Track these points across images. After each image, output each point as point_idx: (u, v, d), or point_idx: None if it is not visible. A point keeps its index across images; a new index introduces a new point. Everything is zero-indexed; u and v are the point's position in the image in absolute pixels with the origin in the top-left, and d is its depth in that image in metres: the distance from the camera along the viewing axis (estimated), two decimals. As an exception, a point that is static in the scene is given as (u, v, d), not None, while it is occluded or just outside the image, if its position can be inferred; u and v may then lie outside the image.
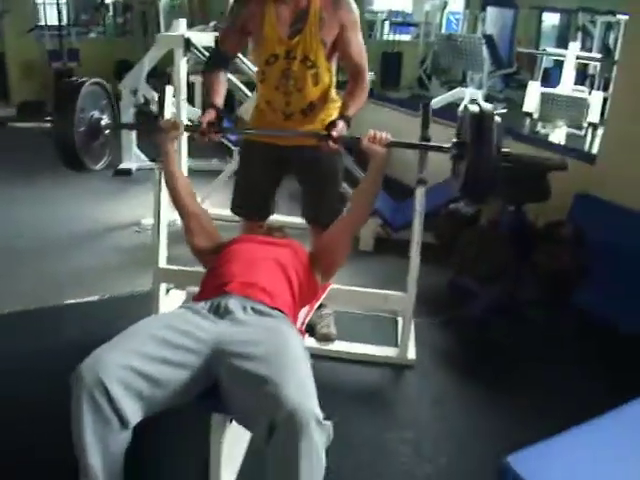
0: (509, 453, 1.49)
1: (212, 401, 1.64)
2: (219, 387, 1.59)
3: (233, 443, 1.86)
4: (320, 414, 1.39)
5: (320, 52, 2.31)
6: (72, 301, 3.03)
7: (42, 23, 8.06)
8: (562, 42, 9.90)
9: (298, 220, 2.93)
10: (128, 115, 5.07)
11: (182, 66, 3.81)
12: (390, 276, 3.16)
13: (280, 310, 1.80)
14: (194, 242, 2.19)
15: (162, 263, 2.67)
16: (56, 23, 7.84)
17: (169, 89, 2.62)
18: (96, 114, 2.09)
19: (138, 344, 1.55)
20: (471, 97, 6.35)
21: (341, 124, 2.25)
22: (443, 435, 2.21)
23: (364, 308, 2.97)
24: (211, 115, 2.31)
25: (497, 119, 1.96)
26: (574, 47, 5.41)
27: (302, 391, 1.43)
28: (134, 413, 1.50)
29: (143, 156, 5.27)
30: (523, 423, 2.22)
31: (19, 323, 2.82)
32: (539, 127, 5.48)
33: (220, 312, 1.71)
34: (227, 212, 3.61)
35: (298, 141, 2.46)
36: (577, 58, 5.31)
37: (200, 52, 3.73)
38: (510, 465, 1.45)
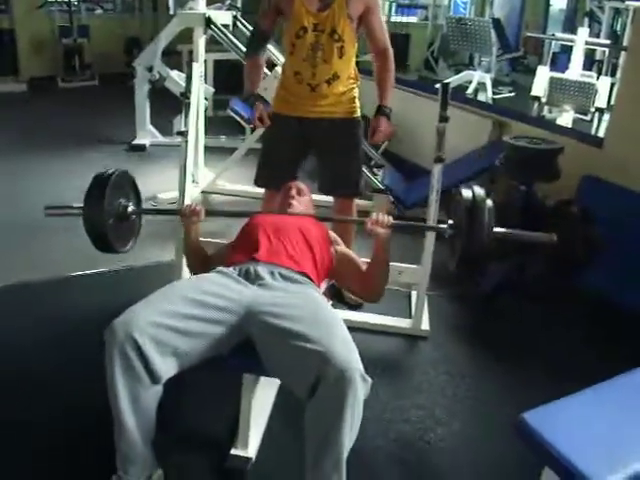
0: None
1: (243, 360, 1.75)
2: (254, 346, 1.69)
3: (261, 399, 1.98)
4: (363, 370, 1.50)
5: (347, 26, 2.45)
6: (97, 270, 3.14)
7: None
8: (569, 27, 9.92)
9: (319, 197, 3.03)
10: (142, 92, 5.15)
11: (201, 44, 3.89)
12: (402, 252, 3.23)
13: (306, 275, 1.90)
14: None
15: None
16: (66, -1, 7.89)
17: (196, 66, 2.69)
18: (123, 202, 2.20)
19: (170, 303, 1.64)
20: (479, 80, 6.42)
21: (384, 122, 2.53)
22: (455, 401, 2.32)
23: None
24: (259, 107, 2.57)
25: (489, 203, 2.02)
26: (583, 33, 5.45)
27: (348, 347, 1.54)
28: (166, 368, 1.59)
29: (157, 132, 5.36)
30: (532, 390, 2.32)
31: (44, 291, 2.94)
32: (546, 111, 5.55)
33: (250, 277, 1.81)
34: (243, 187, 3.72)
35: (325, 112, 2.60)
36: (586, 44, 5.35)
37: (219, 30, 3.79)
38: (526, 421, 1.56)
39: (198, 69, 2.77)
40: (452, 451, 2.08)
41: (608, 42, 5.68)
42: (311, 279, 1.92)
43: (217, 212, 2.52)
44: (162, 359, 1.57)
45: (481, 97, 6.38)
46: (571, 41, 5.44)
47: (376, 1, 2.51)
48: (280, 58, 3.76)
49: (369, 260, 2.08)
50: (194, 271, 2.25)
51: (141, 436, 1.62)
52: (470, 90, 6.38)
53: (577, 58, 5.25)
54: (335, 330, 1.61)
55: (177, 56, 6.71)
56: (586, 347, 2.73)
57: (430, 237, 2.58)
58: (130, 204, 2.22)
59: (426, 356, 2.62)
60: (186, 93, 2.66)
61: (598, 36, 7.44)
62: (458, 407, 2.29)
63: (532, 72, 8.53)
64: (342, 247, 2.22)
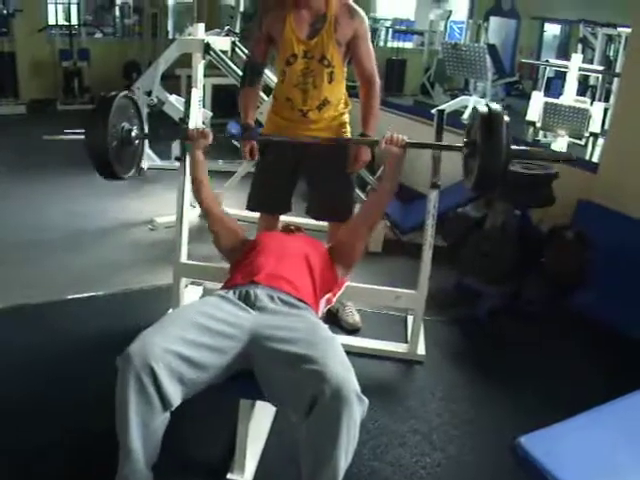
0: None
1: (240, 385, 1.76)
2: (254, 370, 1.70)
3: (258, 424, 1.98)
4: (360, 390, 1.52)
5: (335, 52, 2.51)
6: (92, 294, 3.13)
7: (53, 23, 8.17)
8: (563, 52, 10.09)
9: (314, 221, 3.05)
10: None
11: (200, 69, 3.94)
12: (399, 276, 3.28)
13: (304, 301, 1.92)
14: (220, 243, 2.29)
15: (183, 258, 2.78)
16: (66, 23, 7.98)
17: (195, 92, 2.73)
18: (127, 126, 2.21)
19: (181, 330, 1.66)
20: (474, 105, 6.49)
21: (364, 152, 2.64)
22: (452, 426, 2.32)
23: (375, 305, 3.09)
24: (252, 143, 2.69)
25: (506, 118, 2.07)
26: (577, 59, 5.54)
27: (344, 367, 1.56)
28: (176, 396, 1.61)
29: (154, 156, 5.40)
30: (530, 415, 2.32)
31: (40, 315, 2.92)
32: (541, 136, 5.62)
33: (250, 301, 1.82)
34: (240, 212, 3.74)
35: (310, 139, 2.64)
36: (579, 70, 5.43)
37: (218, 56, 3.85)
38: (522, 445, 1.56)
39: (196, 94, 2.80)
40: (448, 476, 2.07)
41: (601, 68, 5.76)
42: (309, 304, 1.93)
43: (226, 135, 2.59)
44: (173, 387, 1.59)
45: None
46: (565, 67, 5.51)
47: (364, 28, 2.56)
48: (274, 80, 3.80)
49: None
50: (200, 201, 2.34)
51: (145, 461, 1.62)
52: (466, 115, 6.46)
53: (571, 84, 5.34)
54: (331, 350, 1.63)
55: (176, 80, 6.77)
56: (583, 371, 2.74)
57: (426, 261, 2.59)
58: (134, 128, 2.24)
59: (422, 381, 2.62)
60: (184, 118, 2.68)
61: (592, 62, 7.56)
62: (454, 432, 2.28)
63: (527, 97, 8.64)
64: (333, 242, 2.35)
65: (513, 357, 2.85)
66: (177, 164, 2.76)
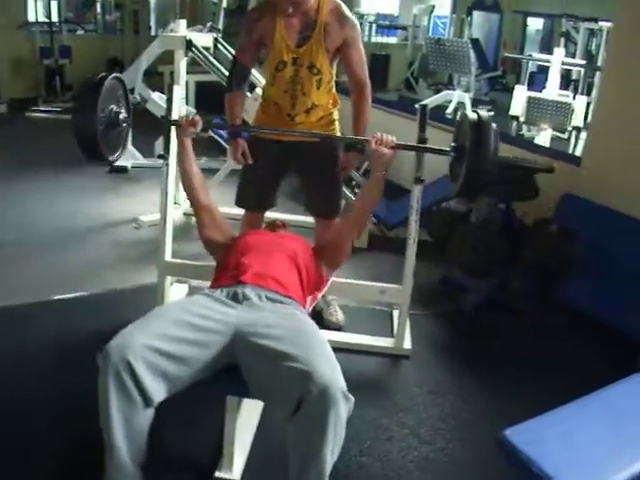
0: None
1: (227, 382, 1.75)
2: (239, 367, 1.70)
3: (245, 420, 1.98)
4: (346, 388, 1.52)
5: (324, 60, 2.49)
6: (78, 294, 3.10)
7: (32, 20, 8.07)
8: (545, 46, 10.13)
9: (298, 217, 3.06)
10: (124, 113, 5.14)
11: (182, 66, 3.92)
12: (384, 271, 3.29)
13: (292, 298, 1.91)
14: (207, 235, 2.28)
15: (168, 257, 2.76)
16: (46, 20, 7.89)
17: (177, 89, 2.70)
18: (115, 108, 2.19)
19: (162, 326, 1.65)
20: (459, 100, 6.53)
21: (352, 159, 2.65)
22: (440, 419, 2.33)
23: (361, 300, 3.09)
24: (242, 145, 2.63)
25: (494, 126, 2.09)
26: (559, 53, 5.57)
27: (330, 366, 1.56)
28: (158, 392, 1.60)
29: (138, 154, 5.36)
30: (517, 408, 2.32)
31: (26, 315, 2.88)
32: (524, 130, 5.65)
33: (237, 299, 1.82)
34: (224, 209, 3.72)
35: (299, 137, 2.62)
36: (562, 64, 5.46)
37: (200, 53, 3.83)
38: (507, 438, 1.58)
39: (179, 92, 2.78)
40: (436, 470, 2.08)
41: (583, 62, 5.79)
42: (296, 301, 1.93)
43: (217, 125, 2.56)
44: (154, 383, 1.58)
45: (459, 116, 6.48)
46: (547, 61, 5.54)
47: (355, 35, 2.51)
48: (260, 79, 3.79)
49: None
50: (190, 193, 2.30)
51: (132, 460, 1.61)
52: (450, 110, 6.48)
53: (554, 78, 5.37)
54: (317, 348, 1.63)
55: (158, 77, 6.73)
56: (569, 363, 2.76)
57: (411, 256, 2.60)
58: (122, 110, 2.23)
59: (409, 375, 2.63)
60: (167, 116, 2.66)
61: (574, 56, 7.60)
62: (442, 425, 2.29)
63: (510, 91, 8.64)
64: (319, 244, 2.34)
65: (499, 350, 2.87)
66: (160, 162, 2.75)
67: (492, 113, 6.71)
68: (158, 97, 5.17)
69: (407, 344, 2.74)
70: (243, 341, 1.68)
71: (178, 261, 2.79)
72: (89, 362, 2.35)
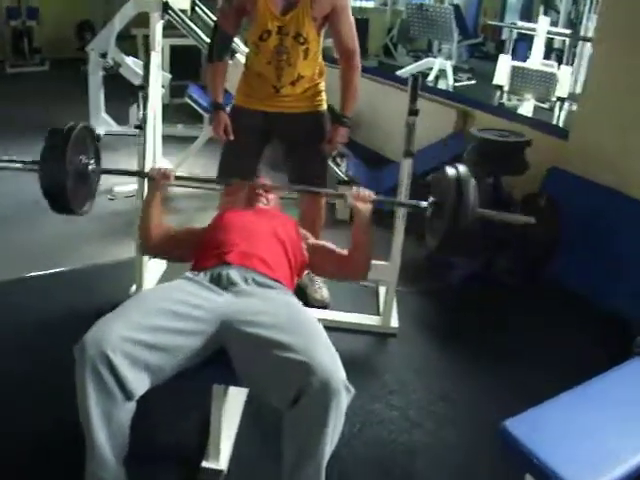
0: (494, 415, 1.60)
1: (213, 371, 1.66)
2: (223, 355, 1.61)
3: (231, 408, 1.90)
4: (346, 379, 1.46)
5: (311, 28, 2.36)
6: (55, 270, 2.99)
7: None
8: (525, 15, 10.01)
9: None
10: (96, 79, 4.94)
11: (158, 30, 3.73)
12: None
13: (280, 282, 1.82)
14: (178, 259, 2.13)
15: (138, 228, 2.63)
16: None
17: (154, 55, 2.56)
18: (83, 159, 2.08)
19: (142, 316, 1.55)
20: (440, 67, 6.40)
21: (341, 133, 2.49)
22: (429, 401, 2.28)
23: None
24: (224, 119, 2.49)
25: (473, 182, 2.00)
26: (544, 21, 5.47)
27: (332, 358, 1.49)
28: (139, 385, 1.51)
29: (111, 121, 5.16)
30: (507, 388, 2.32)
31: (8, 292, 2.79)
32: (505, 99, 5.56)
33: (222, 283, 1.72)
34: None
35: (289, 107, 2.52)
36: (548, 33, 5.36)
37: (177, 16, 3.65)
38: (507, 429, 1.52)
39: (156, 58, 2.64)
40: (427, 453, 2.04)
41: (569, 32, 5.69)
42: (284, 285, 1.84)
43: (187, 178, 2.43)
44: (135, 375, 1.48)
45: (441, 85, 6.36)
46: (533, 30, 5.43)
47: (345, 2, 2.38)
48: (241, 46, 3.63)
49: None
50: (150, 247, 2.12)
51: (114, 455, 1.53)
52: (431, 77, 6.36)
53: (538, 47, 5.28)
54: (317, 338, 1.56)
55: (132, 40, 6.49)
56: (558, 338, 2.73)
57: (399, 232, 2.53)
58: (91, 162, 2.12)
59: (397, 354, 2.58)
60: (143, 84, 2.53)
61: (555, 24, 7.50)
62: (431, 407, 2.25)
63: (490, 58, 8.62)
64: (313, 240, 2.16)
65: (487, 328, 2.82)
66: (136, 130, 2.61)
67: (474, 82, 6.66)
68: (132, 62, 4.97)
69: (394, 322, 2.68)
70: (232, 330, 1.59)
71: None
72: (70, 340, 2.28)
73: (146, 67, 2.52)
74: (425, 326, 2.79)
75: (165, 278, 2.91)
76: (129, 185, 3.83)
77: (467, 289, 3.07)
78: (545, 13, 8.76)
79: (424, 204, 2.08)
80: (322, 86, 2.59)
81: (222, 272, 1.75)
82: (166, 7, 3.57)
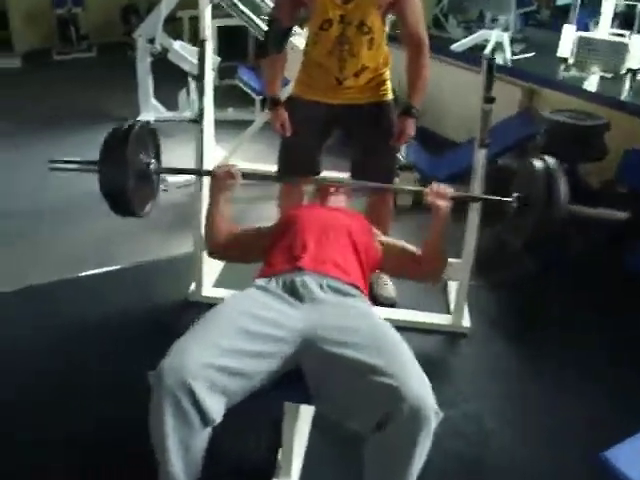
0: (583, 432, 1.61)
1: (286, 390, 1.56)
2: (304, 373, 1.51)
3: (300, 425, 1.80)
4: (436, 405, 1.35)
5: (376, 17, 2.20)
6: (103, 269, 2.92)
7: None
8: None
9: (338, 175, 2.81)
10: (144, 65, 4.86)
11: (207, 14, 3.60)
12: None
13: (355, 286, 1.71)
14: (242, 261, 2.05)
15: (203, 229, 2.54)
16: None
17: (209, 45, 2.43)
18: (144, 159, 1.99)
19: (221, 337, 1.45)
20: (497, 39, 6.11)
21: (410, 125, 2.29)
22: (506, 409, 2.15)
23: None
24: (282, 115, 2.36)
25: (563, 176, 1.84)
26: (612, -14, 5.11)
27: (422, 382, 1.38)
28: (218, 410, 1.41)
29: (161, 107, 5.08)
30: (595, 396, 2.16)
31: (58, 294, 2.73)
32: (569, 72, 5.25)
33: (298, 293, 1.61)
34: (257, 166, 3.49)
35: (352, 99, 2.38)
36: (617, -1, 5.01)
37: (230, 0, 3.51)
38: (608, 460, 1.39)
39: (210, 47, 2.49)
40: (508, 470, 1.91)
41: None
42: (360, 289, 1.72)
43: (256, 175, 2.29)
44: (214, 402, 1.38)
45: (498, 58, 6.06)
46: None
47: None
48: (297, 29, 3.46)
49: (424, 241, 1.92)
50: (216, 251, 2.02)
51: (188, 479, 1.44)
52: (487, 51, 6.06)
53: (607, 15, 4.93)
54: (403, 356, 1.44)
55: (177, 23, 6.38)
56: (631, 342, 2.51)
57: (472, 226, 2.36)
58: (153, 161, 2.04)
59: (470, 357, 2.43)
60: (199, 76, 2.40)
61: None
62: (509, 416, 2.11)
63: (545, 26, 8.21)
64: (385, 238, 2.03)
65: (565, 326, 2.62)
66: (186, 115, 2.50)
67: (532, 54, 6.33)
68: (180, 46, 4.86)
69: (466, 321, 2.53)
70: (313, 349, 1.48)
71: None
72: (126, 340, 2.20)
73: (201, 58, 2.40)
74: (498, 324, 2.63)
75: (224, 274, 2.84)
76: (182, 175, 3.75)
77: (542, 281, 2.87)
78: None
79: (509, 199, 1.93)
80: (387, 75, 2.42)
81: (296, 279, 1.63)
82: (216, -11, 3.45)
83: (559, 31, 7.11)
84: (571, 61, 4.80)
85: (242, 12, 3.65)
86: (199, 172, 2.43)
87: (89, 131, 4.68)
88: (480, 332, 2.53)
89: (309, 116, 2.40)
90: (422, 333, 2.51)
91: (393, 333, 1.54)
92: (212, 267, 2.76)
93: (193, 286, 2.68)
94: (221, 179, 1.98)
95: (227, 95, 5.38)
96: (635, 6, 5.43)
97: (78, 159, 2.10)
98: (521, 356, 2.45)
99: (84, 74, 6.77)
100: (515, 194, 1.93)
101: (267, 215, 3.16)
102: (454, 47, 5.76)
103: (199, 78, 2.42)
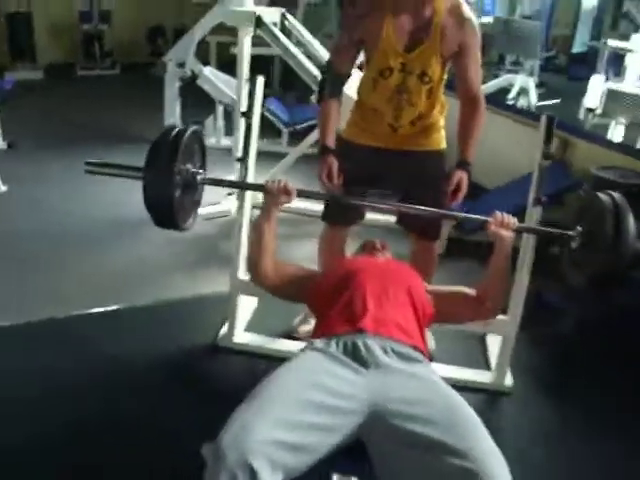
0: None
1: (340, 462, 1.48)
2: (367, 446, 1.43)
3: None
4: None
5: (438, 67, 2.15)
6: (129, 304, 2.77)
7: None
8: (598, 25, 9.61)
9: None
10: (173, 90, 4.84)
11: (246, 45, 3.58)
12: (466, 283, 2.97)
13: (419, 349, 1.65)
14: (285, 298, 2.01)
15: (241, 274, 2.43)
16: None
17: (260, 80, 2.38)
18: (191, 168, 1.93)
19: (284, 411, 1.36)
20: (521, 84, 6.12)
21: (465, 180, 2.20)
22: (551, 476, 2.05)
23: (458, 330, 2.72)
24: (331, 164, 2.19)
25: (630, 211, 1.83)
26: (638, 40, 5.12)
27: (500, 463, 1.31)
28: None
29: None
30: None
31: (74, 330, 2.60)
32: (594, 121, 5.23)
33: (361, 357, 1.53)
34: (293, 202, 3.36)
35: (406, 144, 2.32)
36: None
37: (271, 32, 3.48)
38: None
39: (262, 83, 2.42)
40: None
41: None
42: (422, 352, 1.66)
43: (313, 194, 2.20)
44: (274, 478, 1.29)
45: (521, 102, 6.05)
46: (628, 49, 5.10)
47: (475, 40, 2.14)
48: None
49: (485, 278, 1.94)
50: (262, 278, 1.96)
51: None
52: (512, 95, 6.08)
53: (633, 67, 4.93)
54: (480, 436, 1.37)
55: (204, 47, 6.38)
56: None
57: (522, 283, 2.29)
58: (200, 171, 1.96)
59: (514, 419, 2.33)
60: (248, 112, 2.34)
61: (627, 38, 7.08)
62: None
63: (561, 72, 8.28)
64: (431, 287, 2.00)
65: (611, 384, 2.53)
66: (214, 141, 2.43)
67: (558, 100, 6.34)
68: (210, 72, 4.85)
69: (508, 380, 2.44)
70: (381, 423, 1.40)
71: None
72: (145, 386, 2.16)
73: (251, 95, 2.34)
74: (540, 382, 2.54)
75: (257, 318, 2.73)
76: (210, 206, 3.69)
77: (584, 335, 2.80)
78: (616, 24, 8.38)
79: (572, 233, 1.93)
80: (441, 122, 2.37)
81: (358, 342, 1.56)
82: (259, 22, 3.43)
83: (576, 78, 7.19)
84: (598, 111, 4.78)
85: (289, 52, 3.58)
86: (250, 186, 2.31)
87: (114, 151, 4.60)
88: (522, 390, 2.44)
89: (360, 160, 2.33)
90: (461, 390, 2.41)
91: (465, 406, 1.47)
92: (244, 310, 2.66)
93: (224, 330, 2.56)
94: (276, 195, 1.92)
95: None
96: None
97: (118, 163, 1.99)
98: (567, 418, 2.34)
99: (107, 91, 6.76)
100: (578, 228, 1.91)
101: (299, 255, 3.10)
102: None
103: (247, 115, 2.36)
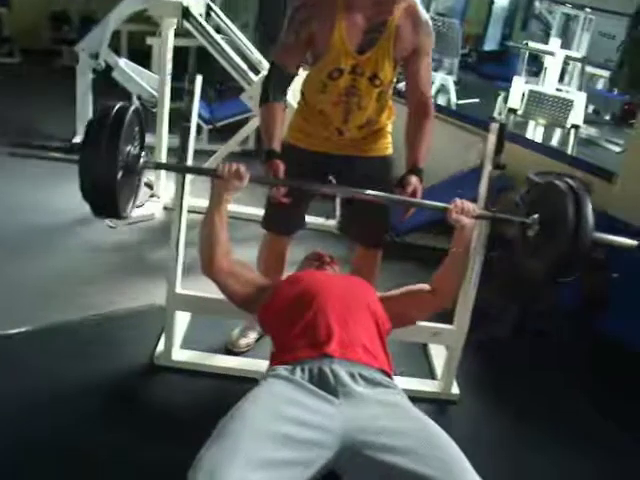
0: None
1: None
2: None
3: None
4: None
5: (389, 69, 2.06)
6: (52, 321, 2.50)
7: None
8: (510, 24, 9.94)
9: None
10: (85, 81, 4.51)
11: (171, 38, 3.39)
12: (397, 283, 2.92)
13: (385, 372, 1.59)
14: (234, 299, 1.93)
15: (179, 287, 2.27)
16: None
17: (199, 79, 2.22)
18: (132, 150, 1.75)
19: (255, 449, 1.27)
20: (441, 82, 6.20)
21: (414, 182, 2.04)
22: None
23: (407, 340, 2.57)
24: (280, 169, 2.01)
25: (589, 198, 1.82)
26: (556, 43, 5.30)
27: None
28: None
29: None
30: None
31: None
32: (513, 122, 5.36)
33: (329, 385, 1.46)
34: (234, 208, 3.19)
35: (352, 151, 2.24)
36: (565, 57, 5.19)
37: (199, 24, 3.28)
38: None
39: (200, 82, 2.24)
40: None
41: (580, 55, 5.54)
42: (389, 374, 1.61)
43: (267, 179, 2.04)
44: None
45: (440, 101, 6.13)
46: (549, 53, 5.24)
47: (430, 42, 2.09)
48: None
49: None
50: (215, 270, 1.86)
51: None
52: (431, 93, 6.13)
53: (553, 70, 5.10)
54: (458, 464, 1.33)
55: (115, 37, 6.02)
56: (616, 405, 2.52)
57: (470, 296, 2.26)
58: (142, 153, 1.83)
59: (462, 428, 2.29)
60: (186, 114, 2.16)
61: (544, 41, 7.36)
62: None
63: (473, 70, 8.53)
64: (383, 293, 1.97)
65: (553, 387, 2.60)
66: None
67: (476, 100, 6.46)
68: (124, 64, 4.56)
69: (455, 388, 2.42)
70: (356, 455, 1.34)
71: (194, 294, 2.28)
72: (80, 411, 2.01)
73: (190, 97, 2.16)
74: (482, 388, 2.55)
75: (192, 332, 2.55)
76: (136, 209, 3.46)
77: (519, 342, 2.83)
78: (526, 24, 8.71)
79: (528, 221, 1.91)
80: (389, 128, 2.30)
81: (324, 368, 1.49)
82: (186, 13, 3.24)
83: (486, 76, 7.41)
84: (520, 112, 4.90)
85: (215, 41, 3.38)
86: (198, 170, 2.16)
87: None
88: (467, 398, 2.44)
89: (304, 167, 2.20)
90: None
91: (441, 434, 1.42)
92: (179, 325, 2.47)
93: (160, 347, 2.40)
94: (227, 179, 1.81)
95: (174, 119, 5.04)
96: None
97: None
98: (516, 425, 2.36)
99: (6, 82, 6.18)
100: (535, 216, 1.89)
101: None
102: (400, 87, 5.77)
103: (186, 117, 2.18)
